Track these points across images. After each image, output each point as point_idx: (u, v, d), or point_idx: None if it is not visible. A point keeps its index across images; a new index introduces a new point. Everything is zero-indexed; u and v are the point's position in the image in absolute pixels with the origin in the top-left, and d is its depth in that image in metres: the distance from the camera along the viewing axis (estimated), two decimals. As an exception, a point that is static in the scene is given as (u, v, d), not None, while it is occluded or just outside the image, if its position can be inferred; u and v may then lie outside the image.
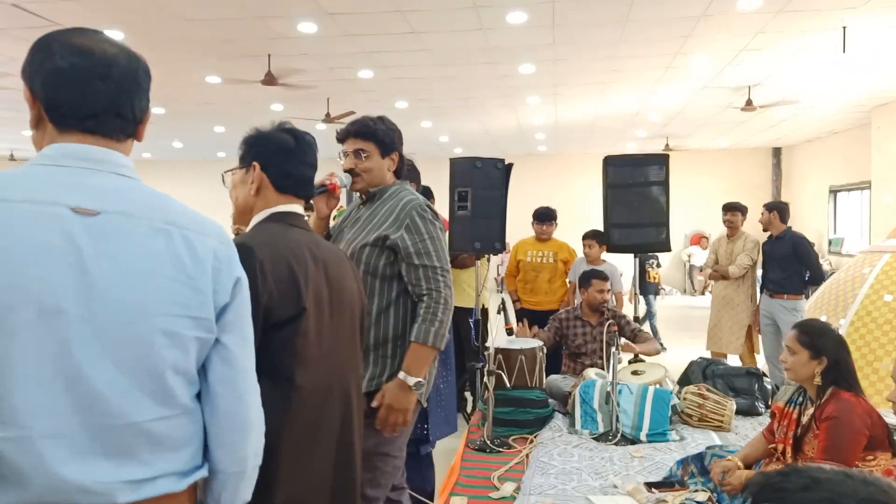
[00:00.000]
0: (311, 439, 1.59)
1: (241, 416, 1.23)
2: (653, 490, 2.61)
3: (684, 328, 10.09)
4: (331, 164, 2.48)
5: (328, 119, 9.22)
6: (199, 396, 1.22)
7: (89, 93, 1.14)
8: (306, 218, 2.78)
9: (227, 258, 1.22)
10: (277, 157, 1.74)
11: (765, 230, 5.81)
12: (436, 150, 14.98)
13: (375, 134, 2.36)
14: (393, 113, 10.12)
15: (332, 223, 2.58)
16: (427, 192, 5.45)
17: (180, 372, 1.15)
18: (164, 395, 1.13)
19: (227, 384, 1.21)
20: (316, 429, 1.60)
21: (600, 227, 5.14)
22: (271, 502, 1.49)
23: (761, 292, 5.79)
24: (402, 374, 2.16)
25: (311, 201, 2.54)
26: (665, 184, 4.82)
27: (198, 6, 5.78)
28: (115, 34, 6.39)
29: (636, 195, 4.85)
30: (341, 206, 5.44)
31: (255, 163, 1.75)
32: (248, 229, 1.78)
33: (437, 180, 5.49)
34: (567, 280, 5.52)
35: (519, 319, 5.58)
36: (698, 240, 15.38)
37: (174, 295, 1.12)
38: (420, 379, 2.16)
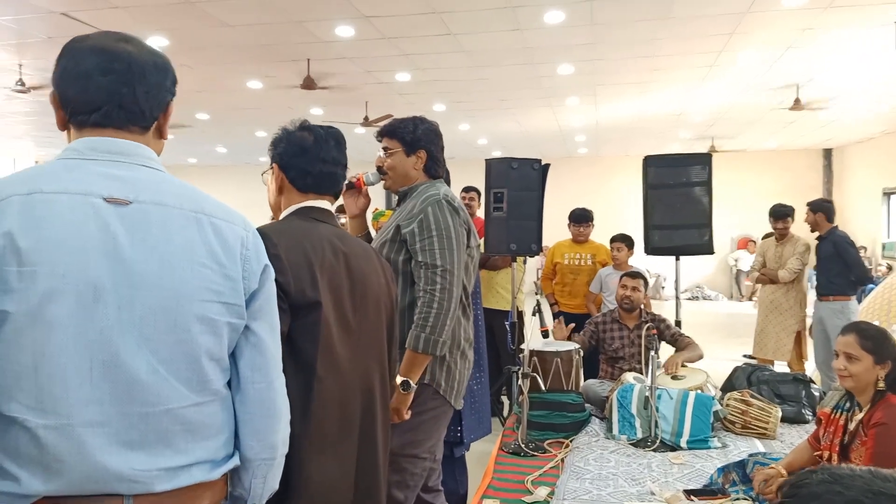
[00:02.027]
0: (334, 432, 1.58)
1: (272, 402, 1.26)
2: (692, 498, 2.52)
3: (731, 334, 9.83)
4: (371, 166, 2.49)
5: (366, 122, 9.29)
6: (229, 385, 1.24)
7: (90, 87, 1.16)
8: (343, 221, 2.78)
9: (255, 246, 1.26)
10: (295, 156, 1.75)
11: (812, 231, 5.60)
12: (474, 153, 14.94)
13: (397, 132, 2.37)
14: (430, 116, 10.07)
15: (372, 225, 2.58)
16: (478, 193, 5.45)
17: (214, 358, 1.17)
18: (200, 381, 1.15)
19: (258, 370, 1.24)
20: (338, 421, 1.59)
21: (640, 230, 5.03)
22: (296, 493, 1.49)
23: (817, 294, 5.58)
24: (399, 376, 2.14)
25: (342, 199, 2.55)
26: (708, 184, 4.68)
27: (238, 12, 5.87)
28: (159, 41, 6.55)
29: (678, 196, 4.71)
30: (377, 209, 5.47)
31: (274, 163, 1.79)
32: None
33: (476, 183, 5.46)
34: (590, 289, 5.38)
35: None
36: (745, 244, 14.98)
37: (207, 281, 1.15)
38: (406, 379, 2.12)
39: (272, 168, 1.81)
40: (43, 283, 1.03)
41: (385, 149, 2.40)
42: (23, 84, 7.64)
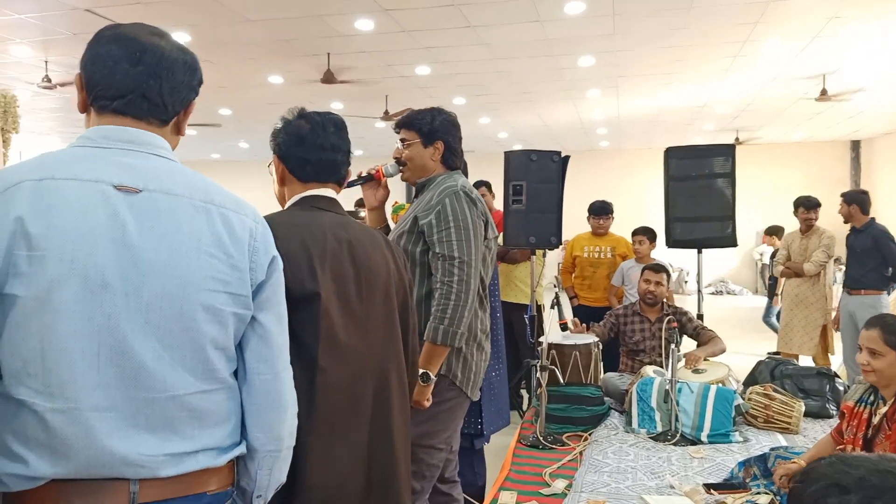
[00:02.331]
0: (341, 424, 1.54)
1: (278, 394, 1.26)
2: (712, 491, 2.49)
3: (755, 329, 9.70)
4: (392, 160, 2.48)
5: (386, 116, 9.30)
6: (236, 375, 1.25)
7: (117, 74, 1.18)
8: (363, 214, 2.78)
9: (263, 237, 1.25)
10: (293, 146, 1.71)
11: (846, 222, 5.47)
12: (494, 147, 14.90)
13: (414, 123, 2.37)
14: (451, 109, 10.11)
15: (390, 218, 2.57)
16: (488, 188, 5.41)
17: (219, 347, 1.17)
18: (205, 369, 1.15)
19: (264, 362, 1.24)
20: (346, 413, 1.55)
21: (662, 224, 4.98)
22: (302, 486, 1.46)
23: (844, 287, 5.46)
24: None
25: (361, 192, 2.55)
26: (731, 175, 4.61)
27: (259, 7, 5.91)
28: (182, 37, 6.60)
29: (700, 188, 4.65)
30: (396, 202, 5.46)
31: (274, 155, 1.76)
32: None
33: (495, 175, 5.42)
34: (612, 282, 5.34)
35: (576, 316, 5.47)
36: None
37: (214, 271, 1.15)
38: (425, 371, 2.11)
39: (273, 159, 1.78)
40: (51, 268, 1.04)
41: (403, 140, 2.40)
42: (49, 80, 7.76)
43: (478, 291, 2.27)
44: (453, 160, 2.43)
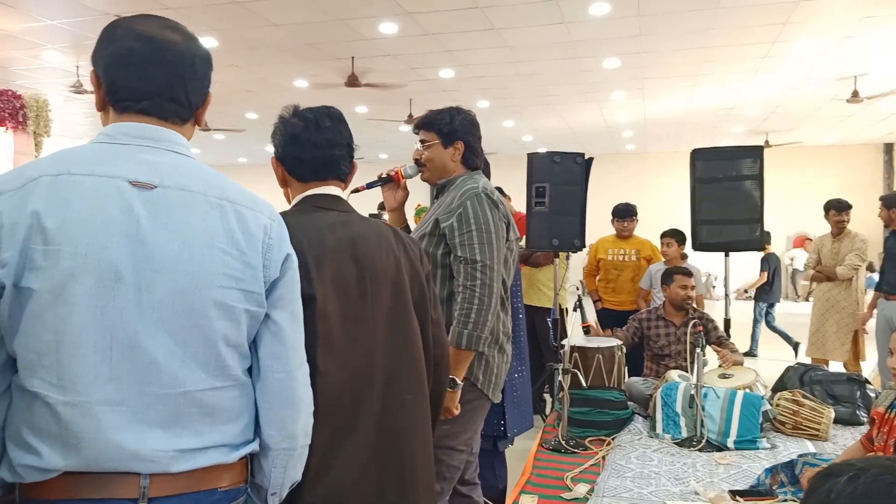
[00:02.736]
0: (345, 426, 1.50)
1: (291, 391, 1.25)
2: (737, 498, 2.44)
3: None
4: (410, 161, 2.48)
5: (410, 120, 9.33)
6: (251, 372, 1.24)
7: (143, 77, 1.18)
8: (385, 216, 2.78)
9: (278, 235, 1.24)
10: (288, 146, 1.66)
11: (887, 226, 5.34)
12: (519, 150, 14.85)
13: (434, 123, 2.34)
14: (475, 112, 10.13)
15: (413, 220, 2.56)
16: (501, 193, 5.37)
17: (232, 344, 1.17)
18: (217, 366, 1.15)
19: (278, 359, 1.23)
20: (349, 415, 1.51)
21: (689, 228, 4.91)
22: (304, 489, 1.42)
23: (881, 292, 5.31)
24: None
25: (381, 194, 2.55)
26: (759, 178, 4.53)
27: (285, 11, 5.96)
28: (209, 42, 6.69)
29: (727, 190, 4.57)
30: (419, 205, 5.44)
31: (272, 156, 1.71)
32: None
33: (519, 178, 5.39)
34: (640, 285, 5.27)
35: (600, 320, 5.42)
36: (802, 242, 14.48)
37: (226, 268, 1.15)
38: (452, 377, 2.06)
39: (272, 161, 1.73)
40: (65, 262, 1.04)
41: (422, 141, 2.39)
42: (80, 85, 7.91)
43: (500, 294, 2.26)
44: (474, 160, 2.41)
